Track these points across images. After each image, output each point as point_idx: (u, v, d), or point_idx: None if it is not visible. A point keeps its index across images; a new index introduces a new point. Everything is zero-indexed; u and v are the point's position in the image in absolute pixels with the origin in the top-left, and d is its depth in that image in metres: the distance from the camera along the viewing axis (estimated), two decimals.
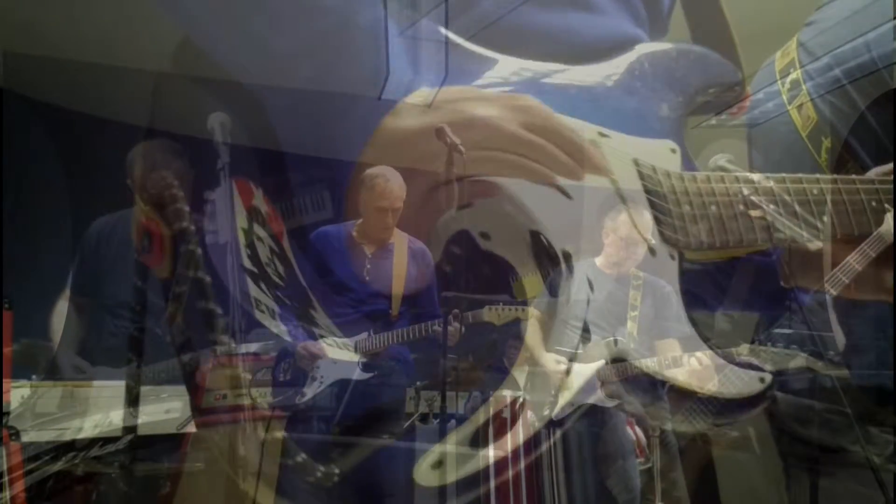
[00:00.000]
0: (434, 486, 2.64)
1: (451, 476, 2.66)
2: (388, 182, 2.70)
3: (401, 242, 2.81)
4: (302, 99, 2.84)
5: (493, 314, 2.61)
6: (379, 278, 2.74)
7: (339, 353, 2.65)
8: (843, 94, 2.23)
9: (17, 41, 2.60)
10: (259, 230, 2.71)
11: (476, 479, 2.74)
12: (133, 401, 2.35)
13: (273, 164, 2.91)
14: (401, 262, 2.78)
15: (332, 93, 2.83)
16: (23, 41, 2.63)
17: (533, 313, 2.85)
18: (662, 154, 2.31)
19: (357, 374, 2.64)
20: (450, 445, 2.70)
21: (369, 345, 2.65)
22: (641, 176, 2.03)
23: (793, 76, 2.34)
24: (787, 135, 2.47)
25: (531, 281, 2.87)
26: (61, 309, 2.62)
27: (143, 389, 2.40)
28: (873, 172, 2.07)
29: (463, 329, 2.58)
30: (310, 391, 2.63)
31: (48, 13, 2.66)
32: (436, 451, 2.68)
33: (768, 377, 2.54)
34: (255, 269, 2.71)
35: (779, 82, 2.37)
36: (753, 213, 2.06)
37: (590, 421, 2.74)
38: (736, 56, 2.62)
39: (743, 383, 2.59)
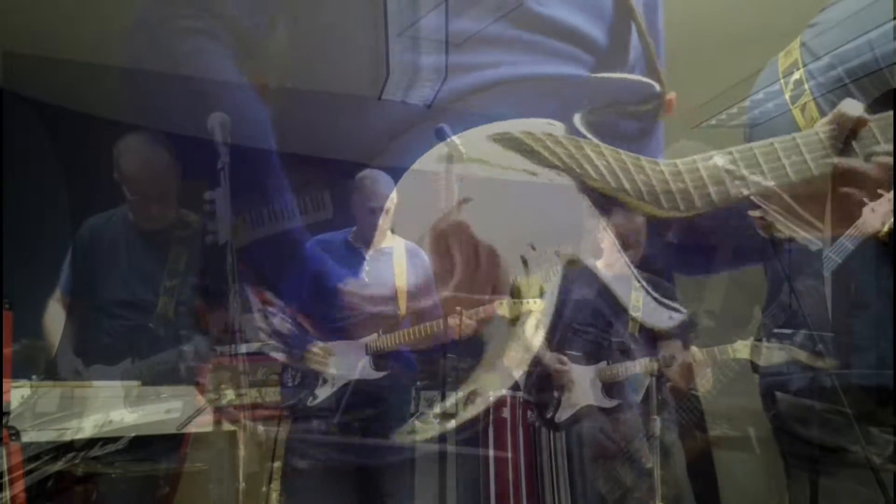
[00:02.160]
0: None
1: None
2: (375, 183, 2.75)
3: (398, 244, 2.83)
4: (301, 99, 2.84)
5: (505, 308, 2.60)
6: (379, 280, 2.76)
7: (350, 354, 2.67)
8: (845, 93, 2.22)
9: (17, 41, 2.60)
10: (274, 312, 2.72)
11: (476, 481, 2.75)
12: (133, 400, 2.36)
13: (273, 164, 2.90)
14: (400, 262, 2.80)
15: (331, 93, 2.83)
16: (23, 41, 2.63)
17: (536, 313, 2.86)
18: (538, 126, 2.32)
19: (368, 374, 2.65)
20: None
21: (381, 344, 2.66)
22: (495, 140, 2.03)
23: (795, 76, 2.33)
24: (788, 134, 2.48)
25: (531, 281, 2.87)
26: (52, 309, 2.63)
27: (143, 389, 2.41)
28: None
29: (473, 323, 2.58)
30: (321, 393, 2.65)
31: (48, 13, 2.66)
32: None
33: (678, 316, 2.72)
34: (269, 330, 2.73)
35: (781, 82, 2.36)
36: (753, 213, 2.05)
37: (586, 421, 2.75)
38: (656, 72, 2.76)
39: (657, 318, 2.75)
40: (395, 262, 2.80)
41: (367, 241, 2.80)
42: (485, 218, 2.68)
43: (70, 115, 2.76)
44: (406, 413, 2.77)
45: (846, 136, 2.00)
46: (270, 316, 2.67)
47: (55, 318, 2.62)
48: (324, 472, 2.62)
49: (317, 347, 2.67)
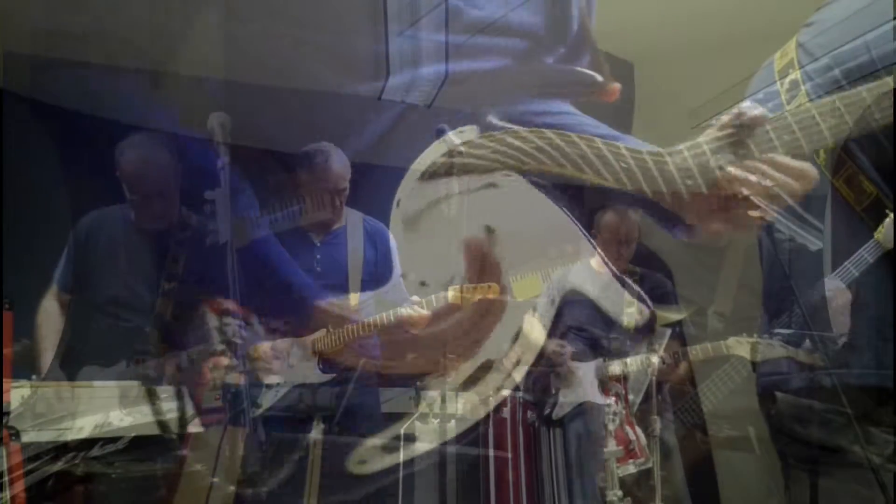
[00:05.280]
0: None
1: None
2: (328, 159, 2.51)
3: (354, 224, 2.61)
4: (301, 99, 2.84)
5: (457, 295, 2.42)
6: (333, 268, 2.56)
7: (297, 358, 2.48)
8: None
9: (17, 41, 2.60)
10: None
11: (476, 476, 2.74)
12: (132, 401, 2.35)
13: (273, 164, 2.91)
14: (356, 247, 2.58)
15: (332, 93, 2.83)
16: (23, 41, 2.63)
17: (533, 314, 2.86)
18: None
19: (317, 377, 2.45)
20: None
21: (328, 342, 2.46)
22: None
23: (791, 77, 2.33)
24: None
25: (532, 280, 2.88)
26: (50, 307, 2.63)
27: (143, 389, 2.41)
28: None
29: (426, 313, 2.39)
30: (265, 402, 2.45)
31: (48, 13, 2.66)
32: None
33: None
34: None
35: (778, 83, 2.36)
36: (753, 213, 2.05)
37: (583, 419, 2.76)
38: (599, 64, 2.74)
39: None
40: (350, 246, 2.56)
41: (318, 225, 2.58)
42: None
43: (70, 115, 2.76)
44: (378, 413, 2.63)
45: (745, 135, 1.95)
46: (226, 328, 2.41)
47: (53, 316, 2.62)
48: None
49: (260, 349, 2.47)
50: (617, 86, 2.64)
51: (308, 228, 2.62)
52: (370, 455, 2.49)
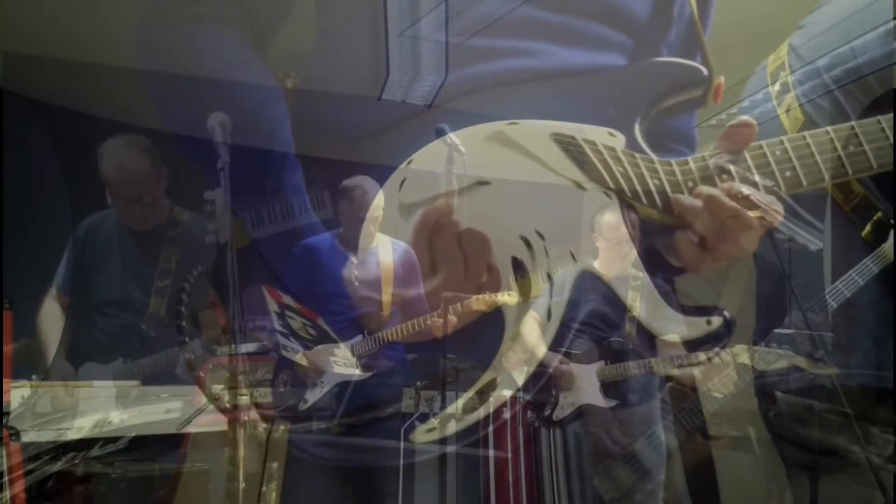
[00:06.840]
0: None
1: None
2: (365, 194, 2.77)
3: (384, 243, 2.88)
4: (302, 99, 2.85)
5: (481, 302, 2.67)
6: (368, 282, 2.83)
7: (338, 359, 2.73)
8: (832, 99, 2.24)
9: (17, 41, 2.60)
10: (293, 315, 2.75)
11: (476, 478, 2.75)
12: (132, 400, 2.35)
13: (273, 164, 2.91)
14: (387, 264, 2.86)
15: (332, 93, 2.84)
16: (23, 41, 2.63)
17: (532, 314, 2.87)
18: (600, 135, 2.24)
19: (356, 376, 2.72)
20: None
21: (365, 347, 2.74)
22: (558, 140, 1.97)
23: (783, 79, 2.35)
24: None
25: (532, 281, 2.87)
26: (50, 308, 2.64)
27: (143, 389, 2.41)
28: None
29: (455, 320, 2.64)
30: (311, 397, 2.71)
31: (48, 13, 2.66)
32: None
33: (716, 320, 2.63)
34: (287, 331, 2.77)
35: (770, 86, 2.38)
36: (753, 213, 2.05)
37: (584, 420, 2.76)
38: (704, 55, 2.70)
39: (689, 328, 2.70)
40: (381, 264, 2.85)
41: (355, 246, 2.85)
42: (485, 217, 2.68)
43: (70, 115, 2.76)
44: (399, 413, 2.78)
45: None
46: (289, 318, 2.69)
47: (54, 316, 2.62)
48: (324, 473, 2.67)
49: (308, 354, 2.71)
50: (722, 80, 2.63)
51: (346, 249, 2.86)
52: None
